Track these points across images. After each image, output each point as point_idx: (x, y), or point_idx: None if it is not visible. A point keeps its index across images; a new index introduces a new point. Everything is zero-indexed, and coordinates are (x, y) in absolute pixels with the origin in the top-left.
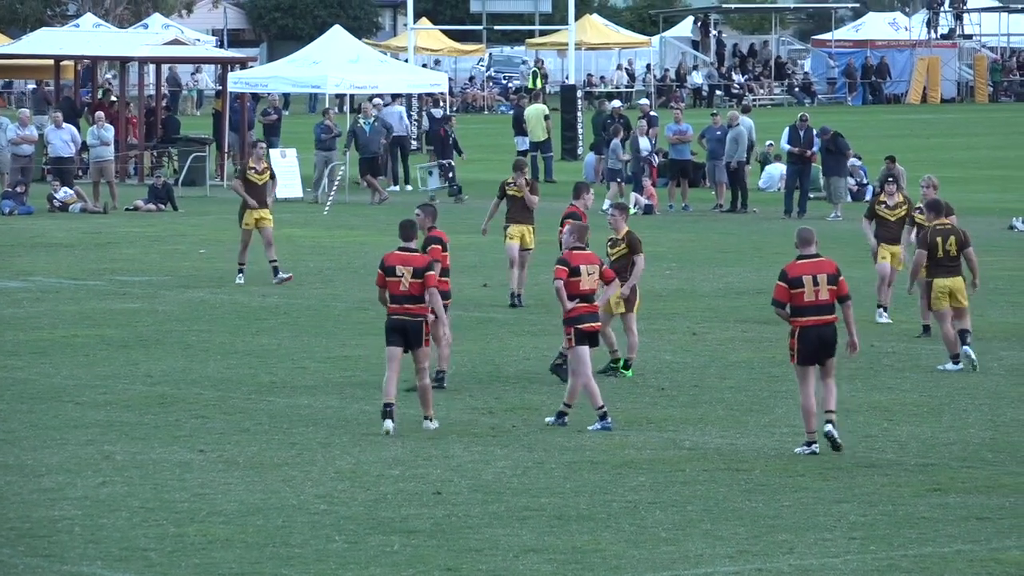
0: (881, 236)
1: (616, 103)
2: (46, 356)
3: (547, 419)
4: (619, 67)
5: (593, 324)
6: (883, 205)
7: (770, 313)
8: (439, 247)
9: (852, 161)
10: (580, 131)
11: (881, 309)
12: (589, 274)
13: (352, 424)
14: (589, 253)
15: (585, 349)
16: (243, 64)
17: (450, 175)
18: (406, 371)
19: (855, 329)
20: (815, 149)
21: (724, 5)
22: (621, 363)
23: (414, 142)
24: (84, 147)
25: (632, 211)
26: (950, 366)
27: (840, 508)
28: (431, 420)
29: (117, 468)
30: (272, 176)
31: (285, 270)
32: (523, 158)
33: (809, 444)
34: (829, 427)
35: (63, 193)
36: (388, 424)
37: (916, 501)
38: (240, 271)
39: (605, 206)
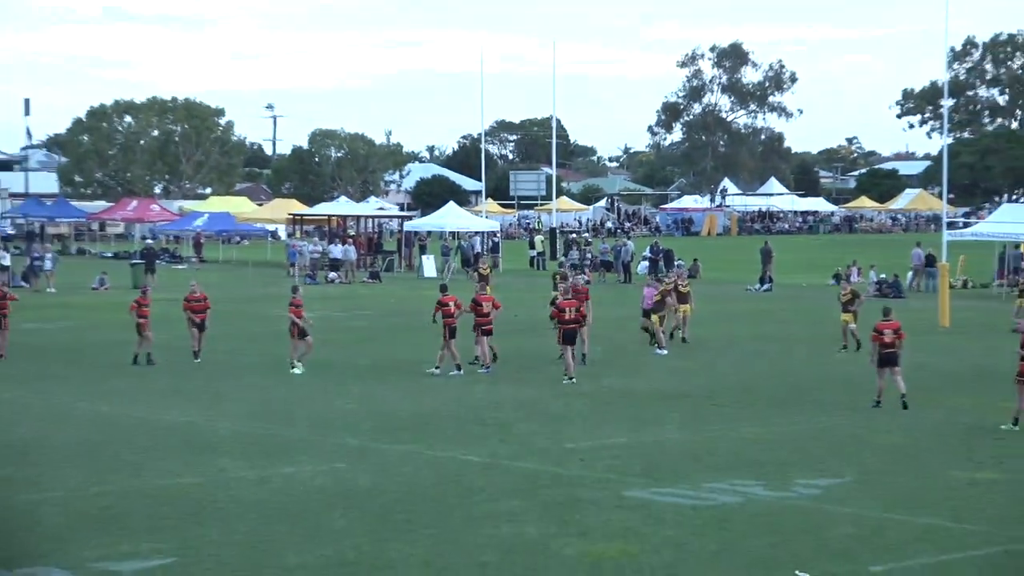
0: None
1: (574, 235)
2: (328, 346)
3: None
4: (575, 219)
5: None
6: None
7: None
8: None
9: (678, 261)
10: (558, 247)
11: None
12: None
13: (456, 378)
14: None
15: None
16: (410, 218)
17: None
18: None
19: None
20: (660, 256)
21: (621, 192)
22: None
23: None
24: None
25: (583, 282)
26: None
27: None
28: (487, 368)
29: (353, 397)
30: (487, 274)
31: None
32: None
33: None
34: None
35: (332, 275)
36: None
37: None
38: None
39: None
